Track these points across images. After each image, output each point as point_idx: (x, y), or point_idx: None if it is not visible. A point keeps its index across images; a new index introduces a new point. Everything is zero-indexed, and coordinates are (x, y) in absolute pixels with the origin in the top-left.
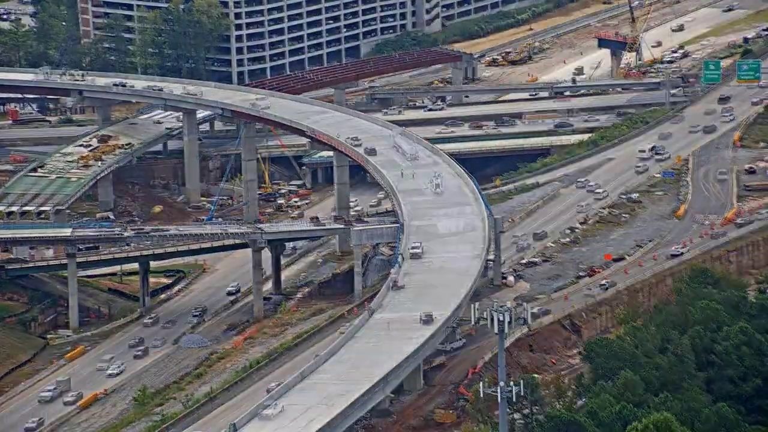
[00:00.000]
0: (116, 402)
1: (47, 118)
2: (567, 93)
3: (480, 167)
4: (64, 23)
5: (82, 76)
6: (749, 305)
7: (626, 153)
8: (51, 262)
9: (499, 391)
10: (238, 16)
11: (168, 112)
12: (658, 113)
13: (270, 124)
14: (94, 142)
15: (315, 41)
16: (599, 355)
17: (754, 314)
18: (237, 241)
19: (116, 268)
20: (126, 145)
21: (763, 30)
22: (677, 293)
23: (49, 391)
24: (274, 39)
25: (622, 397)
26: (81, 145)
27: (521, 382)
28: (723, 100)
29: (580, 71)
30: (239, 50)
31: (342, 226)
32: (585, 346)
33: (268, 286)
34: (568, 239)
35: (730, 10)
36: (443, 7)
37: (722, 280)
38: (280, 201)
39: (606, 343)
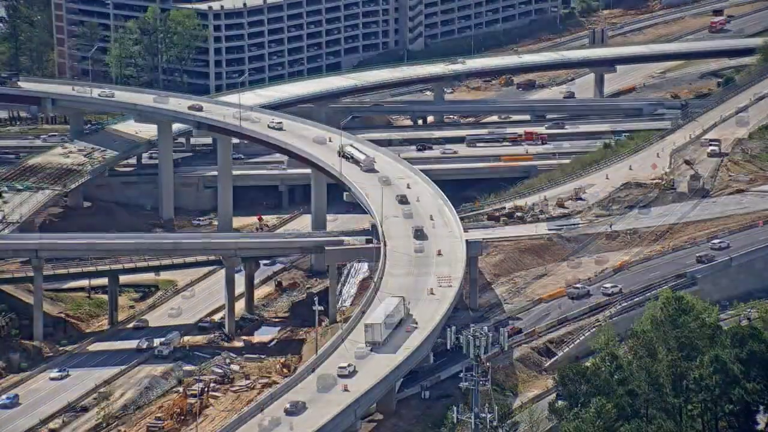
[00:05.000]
0: None
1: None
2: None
3: (461, 188)
4: (36, 30)
5: None
6: (724, 334)
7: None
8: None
9: (472, 417)
10: (217, 28)
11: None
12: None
13: (247, 139)
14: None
15: (295, 56)
16: (573, 381)
17: (728, 343)
18: (210, 258)
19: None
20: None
21: None
22: (652, 320)
23: None
24: (254, 53)
25: (595, 424)
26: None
27: (496, 408)
28: None
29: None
30: (218, 62)
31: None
32: (559, 372)
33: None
34: None
35: None
36: (426, 26)
37: (695, 307)
38: None
39: (580, 370)
